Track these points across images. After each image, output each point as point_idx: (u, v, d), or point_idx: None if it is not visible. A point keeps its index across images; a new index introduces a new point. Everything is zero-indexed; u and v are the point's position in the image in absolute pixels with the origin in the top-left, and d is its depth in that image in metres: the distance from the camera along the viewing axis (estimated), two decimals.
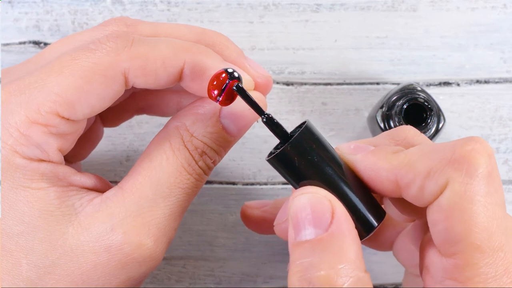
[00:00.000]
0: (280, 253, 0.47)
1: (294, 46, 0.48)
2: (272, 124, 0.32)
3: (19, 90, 0.33)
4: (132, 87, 0.35)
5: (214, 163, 0.36)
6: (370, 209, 0.33)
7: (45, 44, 0.48)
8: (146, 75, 0.34)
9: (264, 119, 0.33)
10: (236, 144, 0.48)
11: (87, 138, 0.41)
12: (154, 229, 0.34)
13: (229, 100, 0.33)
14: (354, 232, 0.31)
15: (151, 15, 0.49)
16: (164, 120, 0.47)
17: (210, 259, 0.47)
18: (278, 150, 0.32)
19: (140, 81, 0.34)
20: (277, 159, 0.32)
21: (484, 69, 0.48)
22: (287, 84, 0.48)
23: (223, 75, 0.32)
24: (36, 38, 0.49)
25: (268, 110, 0.48)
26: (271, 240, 0.47)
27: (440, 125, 0.43)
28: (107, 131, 0.47)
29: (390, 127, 0.43)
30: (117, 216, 0.34)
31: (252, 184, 0.48)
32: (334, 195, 0.32)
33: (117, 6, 0.49)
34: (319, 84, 0.48)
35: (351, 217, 0.32)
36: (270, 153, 0.33)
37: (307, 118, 0.48)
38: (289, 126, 0.48)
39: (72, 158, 0.40)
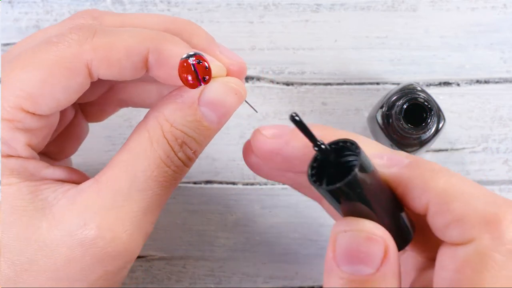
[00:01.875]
0: (280, 253, 0.47)
1: (294, 46, 0.48)
2: (323, 152, 0.29)
3: None
4: (110, 80, 0.35)
5: (195, 153, 0.35)
6: (403, 227, 0.32)
7: None
8: (110, 66, 0.33)
9: (316, 148, 0.29)
10: (236, 144, 0.48)
11: (70, 134, 0.41)
12: (129, 223, 0.34)
13: (207, 80, 0.33)
14: (399, 271, 0.30)
15: None
16: None
17: (210, 259, 0.47)
18: (336, 185, 0.28)
19: (105, 72, 0.34)
20: (341, 188, 0.29)
21: (484, 69, 0.48)
22: (287, 84, 0.48)
23: (188, 59, 0.33)
24: None
25: (268, 110, 0.48)
26: (271, 240, 0.47)
27: (440, 125, 0.43)
28: (107, 131, 0.47)
29: (390, 127, 0.43)
30: (91, 210, 0.33)
31: (252, 184, 0.48)
32: (376, 219, 0.30)
33: (117, 6, 0.49)
34: (319, 84, 0.48)
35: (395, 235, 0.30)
36: (315, 179, 0.30)
37: (308, 118, 0.48)
38: (289, 126, 0.48)
39: (57, 155, 0.40)
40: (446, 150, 0.48)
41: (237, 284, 0.47)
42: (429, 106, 0.42)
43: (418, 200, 0.30)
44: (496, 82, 0.48)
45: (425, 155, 0.48)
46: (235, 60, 0.36)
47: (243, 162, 0.49)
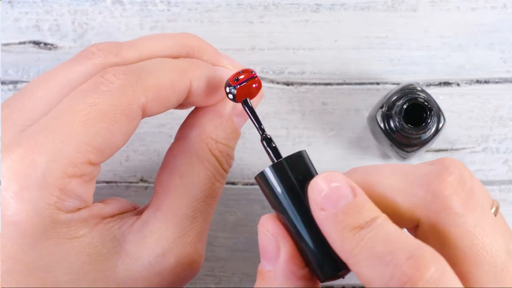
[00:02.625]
0: None
1: (294, 46, 0.48)
2: (269, 145, 0.34)
3: (43, 148, 0.32)
4: None
5: (233, 160, 0.38)
6: (331, 258, 0.31)
7: (45, 44, 0.48)
8: (161, 104, 0.35)
9: (263, 138, 0.34)
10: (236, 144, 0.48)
11: None
12: (199, 244, 0.35)
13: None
14: (300, 274, 0.31)
15: (151, 15, 0.49)
16: (164, 120, 0.47)
17: (210, 259, 0.47)
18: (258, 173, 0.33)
19: (155, 111, 0.35)
20: (258, 179, 0.33)
21: (484, 69, 0.48)
22: (287, 84, 0.48)
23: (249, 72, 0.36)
24: (36, 38, 0.49)
25: (268, 110, 0.48)
26: None
27: (440, 125, 0.43)
28: None
29: (390, 127, 0.43)
30: (165, 240, 0.34)
31: (252, 184, 0.48)
32: (294, 232, 0.31)
33: (117, 6, 0.49)
34: (319, 84, 0.48)
35: (311, 259, 0.31)
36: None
37: (308, 118, 0.48)
38: (289, 126, 0.48)
39: None
40: (446, 150, 0.48)
41: (237, 284, 0.47)
42: (429, 106, 0.42)
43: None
44: (496, 82, 0.48)
45: (425, 155, 0.48)
46: (238, 67, 0.38)
47: (243, 162, 0.49)
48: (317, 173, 0.32)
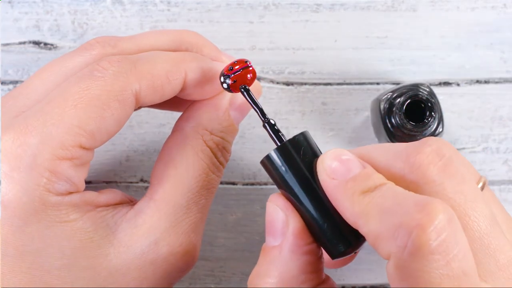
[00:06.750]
0: None
1: (294, 46, 0.48)
2: (272, 129, 0.34)
3: (35, 130, 0.32)
4: None
5: (229, 155, 0.38)
6: (341, 233, 0.32)
7: (45, 44, 0.48)
8: (155, 92, 0.35)
9: (266, 123, 0.34)
10: (235, 143, 0.48)
11: None
12: (193, 235, 0.35)
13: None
14: (306, 248, 0.31)
15: (151, 15, 0.49)
16: (164, 120, 0.47)
17: (210, 259, 0.47)
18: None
19: (149, 99, 0.35)
20: (264, 162, 0.33)
21: (484, 69, 0.48)
22: (287, 84, 0.48)
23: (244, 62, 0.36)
24: (36, 38, 0.49)
25: (268, 110, 0.48)
26: None
27: (440, 125, 0.43)
28: None
29: (391, 124, 0.43)
30: (158, 229, 0.34)
31: (252, 184, 0.48)
32: (304, 210, 0.32)
33: (117, 6, 0.49)
34: (319, 84, 0.48)
35: (321, 236, 0.31)
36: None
37: (308, 118, 0.48)
38: (289, 126, 0.48)
39: None
40: None
41: (237, 284, 0.47)
42: (430, 104, 0.42)
43: (347, 218, 0.30)
44: (496, 82, 0.48)
45: None
46: None
47: (244, 162, 0.49)
48: (321, 152, 0.33)
